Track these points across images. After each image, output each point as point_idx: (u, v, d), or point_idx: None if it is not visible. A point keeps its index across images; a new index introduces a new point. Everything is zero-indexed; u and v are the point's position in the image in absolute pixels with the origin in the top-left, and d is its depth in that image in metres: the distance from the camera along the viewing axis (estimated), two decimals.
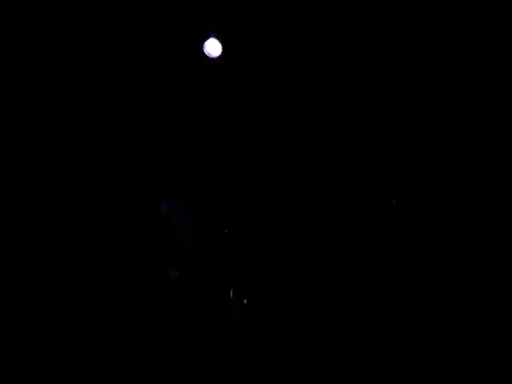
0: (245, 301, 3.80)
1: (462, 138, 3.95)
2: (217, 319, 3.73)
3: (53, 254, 3.88)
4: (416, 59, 4.06)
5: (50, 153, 4.04)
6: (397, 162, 4.05)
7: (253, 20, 4.08)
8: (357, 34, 4.02)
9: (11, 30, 3.88)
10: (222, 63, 4.18)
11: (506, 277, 3.70)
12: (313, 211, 4.12)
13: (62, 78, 4.07)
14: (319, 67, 4.17)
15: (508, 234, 3.76)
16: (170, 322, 3.70)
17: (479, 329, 3.65)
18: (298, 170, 4.20)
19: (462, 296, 3.75)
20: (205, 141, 4.30)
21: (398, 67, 4.10)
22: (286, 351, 3.70)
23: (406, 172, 4.02)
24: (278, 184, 4.20)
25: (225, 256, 3.92)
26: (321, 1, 3.97)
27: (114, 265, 3.90)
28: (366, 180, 4.08)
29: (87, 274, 3.89)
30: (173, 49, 4.18)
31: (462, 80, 3.97)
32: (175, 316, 3.71)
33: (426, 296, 3.79)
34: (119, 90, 4.19)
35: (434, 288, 3.80)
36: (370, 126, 4.14)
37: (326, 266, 3.98)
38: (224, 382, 3.53)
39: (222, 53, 4.14)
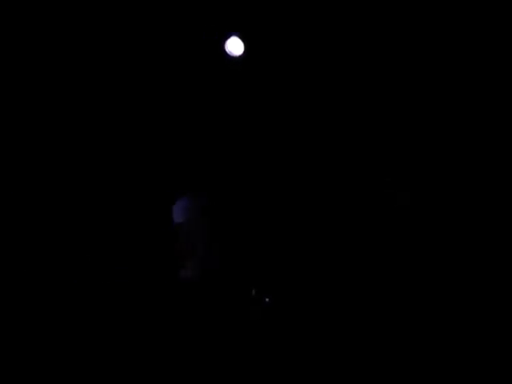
0: (267, 299, 3.67)
1: (469, 140, 3.94)
2: (237, 319, 3.61)
3: (57, 256, 3.81)
4: (428, 65, 4.06)
5: (56, 152, 3.98)
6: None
7: (276, 18, 4.07)
8: (389, 33, 4.00)
9: (11, 29, 3.85)
10: (244, 62, 4.15)
11: None
12: (332, 211, 4.07)
13: (74, 77, 4.04)
14: (341, 68, 4.16)
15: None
16: (187, 322, 3.58)
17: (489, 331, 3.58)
18: (317, 170, 4.16)
19: (469, 295, 3.69)
20: (224, 141, 4.25)
21: (414, 72, 4.10)
22: (309, 352, 3.58)
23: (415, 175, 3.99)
24: (298, 183, 4.15)
25: (245, 253, 3.83)
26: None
27: (120, 265, 3.82)
28: (383, 180, 4.04)
29: (92, 275, 3.80)
30: (193, 47, 4.15)
31: (467, 82, 3.96)
32: (193, 316, 3.59)
33: (437, 295, 3.72)
34: (135, 88, 4.16)
35: (449, 289, 3.74)
36: (385, 128, 4.12)
37: (348, 265, 3.90)
38: (243, 381, 3.40)
39: (244, 52, 4.11)
